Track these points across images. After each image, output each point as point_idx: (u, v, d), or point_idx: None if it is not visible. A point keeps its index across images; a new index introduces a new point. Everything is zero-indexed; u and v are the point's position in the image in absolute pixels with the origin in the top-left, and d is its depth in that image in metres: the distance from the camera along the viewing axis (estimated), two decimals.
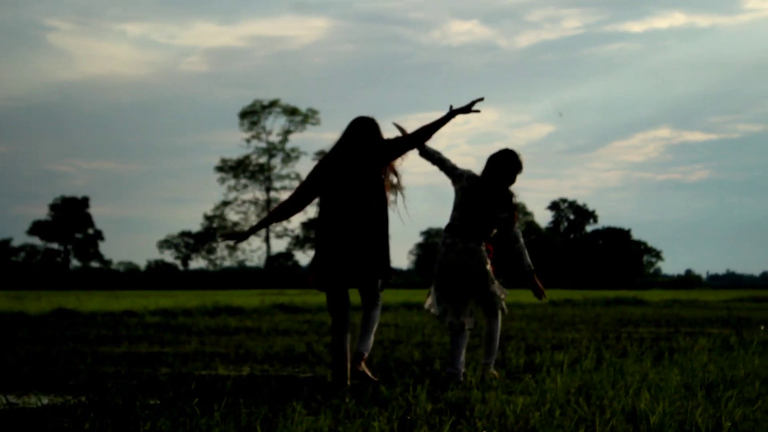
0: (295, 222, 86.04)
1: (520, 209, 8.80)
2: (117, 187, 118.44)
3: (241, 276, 78.03)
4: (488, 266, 7.69)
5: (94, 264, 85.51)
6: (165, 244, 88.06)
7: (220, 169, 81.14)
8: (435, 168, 7.87)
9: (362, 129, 7.21)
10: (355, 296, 7.57)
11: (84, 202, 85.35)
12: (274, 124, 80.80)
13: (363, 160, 7.12)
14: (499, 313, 7.83)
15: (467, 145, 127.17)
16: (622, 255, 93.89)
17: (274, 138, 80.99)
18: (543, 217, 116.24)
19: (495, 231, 7.75)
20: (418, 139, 7.18)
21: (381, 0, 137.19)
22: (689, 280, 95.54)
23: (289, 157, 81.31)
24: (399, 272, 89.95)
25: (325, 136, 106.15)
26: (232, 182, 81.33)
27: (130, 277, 76.47)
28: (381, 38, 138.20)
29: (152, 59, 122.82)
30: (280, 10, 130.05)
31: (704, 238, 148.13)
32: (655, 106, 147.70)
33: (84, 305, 22.32)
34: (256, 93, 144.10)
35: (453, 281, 7.67)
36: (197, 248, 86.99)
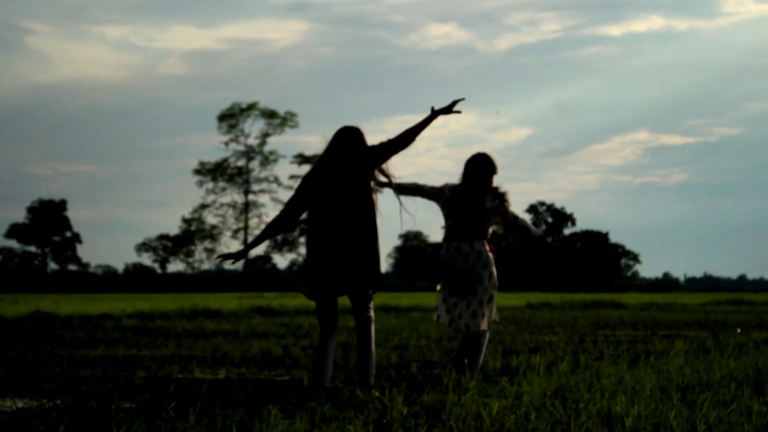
0: None
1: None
2: (95, 189, 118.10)
3: (219, 279, 77.83)
4: (494, 269, 7.86)
5: (72, 267, 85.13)
6: (143, 247, 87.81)
7: (198, 172, 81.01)
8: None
9: (348, 138, 7.22)
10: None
11: (62, 204, 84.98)
12: (253, 127, 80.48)
13: (350, 170, 7.15)
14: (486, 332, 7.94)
15: (446, 148, 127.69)
16: (599, 258, 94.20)
17: (253, 141, 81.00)
18: None
19: (491, 226, 7.85)
20: (402, 142, 7.19)
21: (360, 3, 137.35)
22: (667, 283, 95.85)
23: (267, 160, 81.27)
24: None
25: (303, 138, 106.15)
26: (210, 185, 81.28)
27: (108, 280, 76.08)
28: (360, 41, 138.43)
29: (130, 62, 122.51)
30: (259, 12, 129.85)
31: (682, 241, 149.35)
32: (633, 109, 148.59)
33: (61, 308, 22.23)
34: (234, 96, 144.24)
35: (463, 283, 7.81)
36: (175, 251, 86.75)
